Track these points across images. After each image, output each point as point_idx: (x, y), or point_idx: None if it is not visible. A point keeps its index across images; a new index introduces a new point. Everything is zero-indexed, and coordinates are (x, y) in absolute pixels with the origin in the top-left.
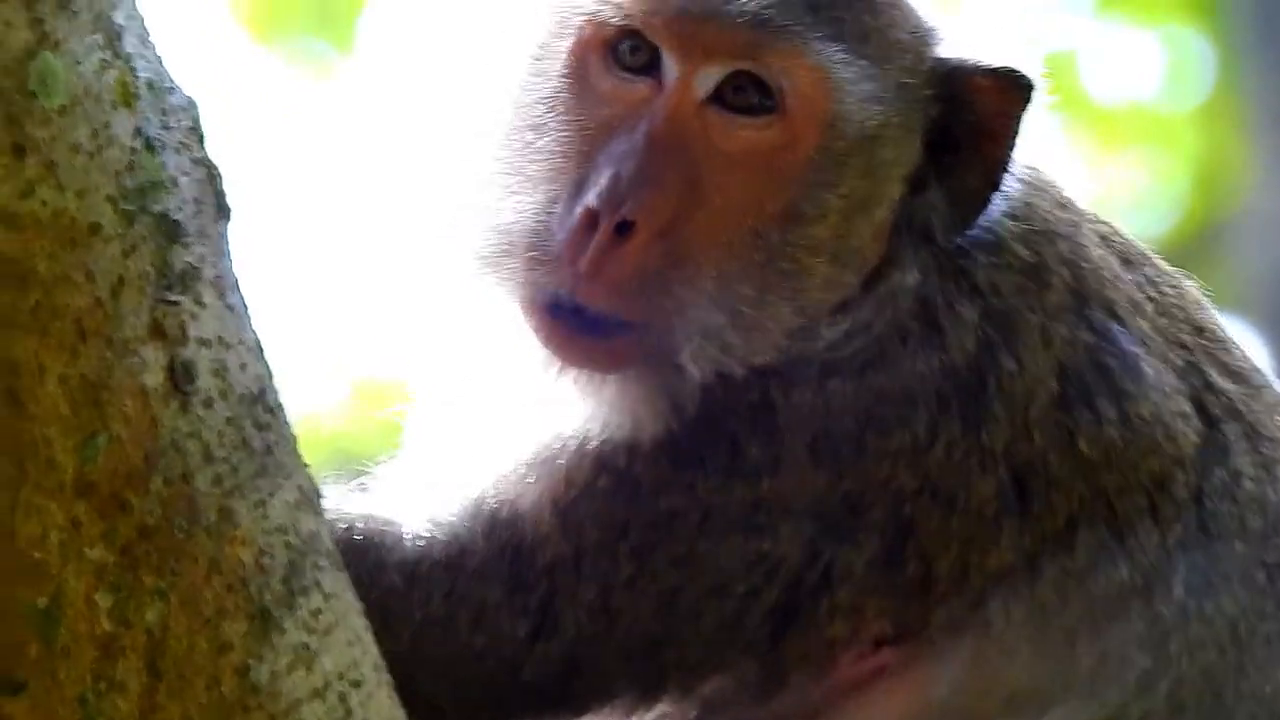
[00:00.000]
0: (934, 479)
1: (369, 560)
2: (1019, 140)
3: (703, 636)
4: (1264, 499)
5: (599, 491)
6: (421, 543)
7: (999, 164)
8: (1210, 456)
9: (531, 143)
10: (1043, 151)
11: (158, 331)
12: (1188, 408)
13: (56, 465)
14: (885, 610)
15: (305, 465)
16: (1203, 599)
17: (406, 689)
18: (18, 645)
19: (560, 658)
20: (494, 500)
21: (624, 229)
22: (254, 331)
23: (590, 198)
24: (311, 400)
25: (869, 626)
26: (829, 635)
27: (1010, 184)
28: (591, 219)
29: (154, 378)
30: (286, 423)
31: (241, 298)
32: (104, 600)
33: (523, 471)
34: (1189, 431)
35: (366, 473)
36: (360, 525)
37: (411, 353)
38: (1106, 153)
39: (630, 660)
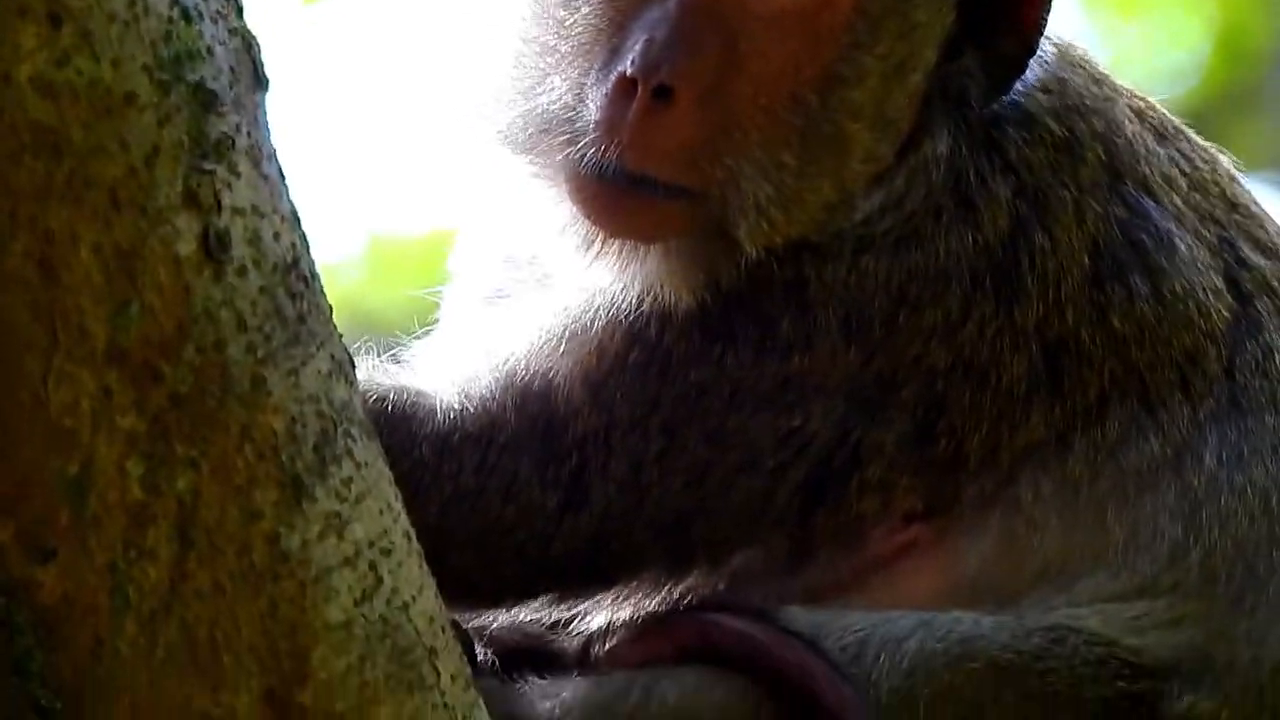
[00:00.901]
0: (966, 356)
1: (400, 433)
2: (1054, 3)
3: (732, 511)
4: None
5: (631, 365)
6: (453, 415)
7: (1035, 27)
8: (1242, 332)
9: (562, 19)
10: (1065, 16)
11: (192, 200)
12: (1220, 283)
13: (89, 334)
14: (915, 486)
15: (338, 334)
16: (1234, 471)
17: (436, 561)
18: (48, 513)
19: (590, 531)
20: (526, 373)
21: (662, 94)
22: (289, 201)
23: (625, 65)
24: (331, 256)
25: (899, 502)
26: (859, 511)
27: (1045, 54)
28: (628, 86)
29: (187, 246)
30: (320, 292)
31: (277, 167)
32: (135, 468)
33: (555, 345)
34: (1221, 307)
35: (398, 344)
36: (392, 398)
37: (449, 226)
38: (1125, 16)
39: (660, 534)
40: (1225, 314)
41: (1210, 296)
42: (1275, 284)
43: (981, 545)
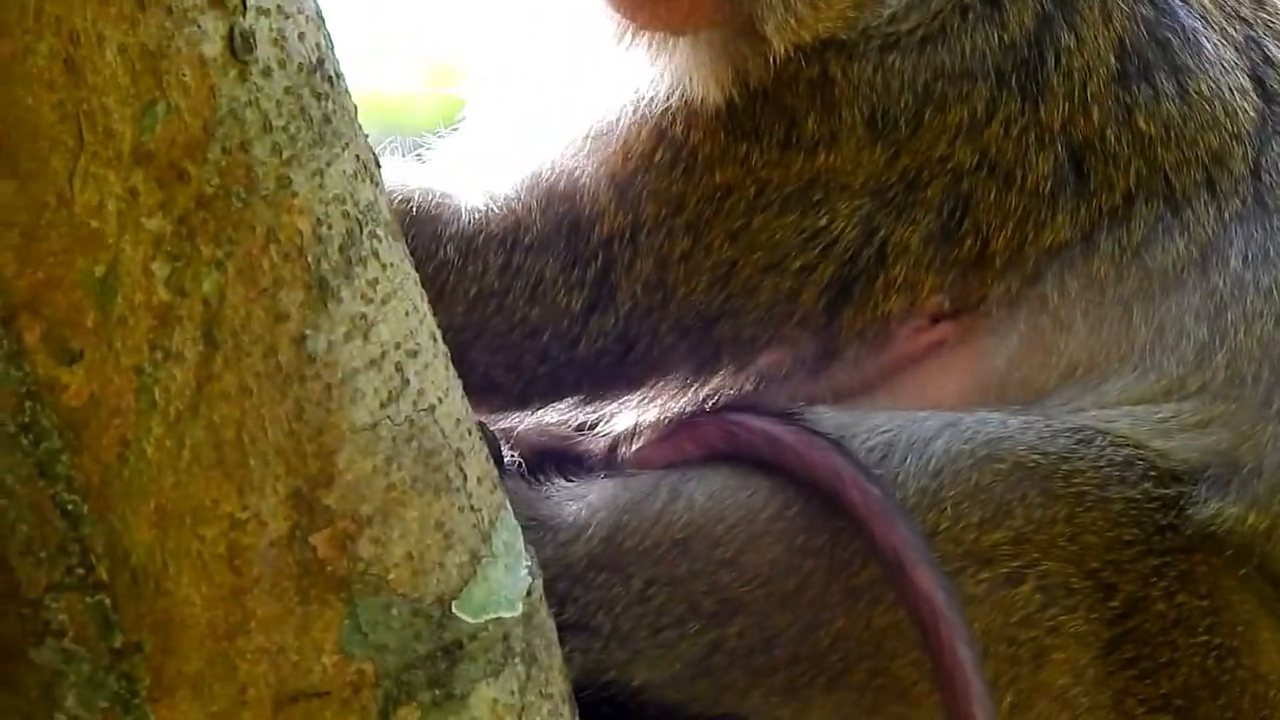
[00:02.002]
0: (991, 155)
1: (425, 233)
2: None
3: (758, 311)
4: None
5: (656, 165)
6: (478, 215)
7: None
8: (1268, 131)
9: None
10: None
11: (217, 0)
12: (1246, 83)
13: (115, 134)
14: (941, 286)
15: (363, 134)
16: (1260, 271)
17: (462, 363)
18: (75, 314)
19: (615, 331)
20: (552, 174)
21: None
22: (314, 0)
23: None
24: (375, 76)
25: (925, 302)
26: (885, 310)
27: None
28: None
29: (212, 47)
30: (345, 92)
31: None
32: (161, 270)
33: (581, 144)
34: (1247, 106)
35: (423, 144)
36: (418, 199)
37: (476, 29)
38: None
39: (685, 334)
40: (1251, 113)
41: (1236, 96)
42: None
43: (1008, 344)
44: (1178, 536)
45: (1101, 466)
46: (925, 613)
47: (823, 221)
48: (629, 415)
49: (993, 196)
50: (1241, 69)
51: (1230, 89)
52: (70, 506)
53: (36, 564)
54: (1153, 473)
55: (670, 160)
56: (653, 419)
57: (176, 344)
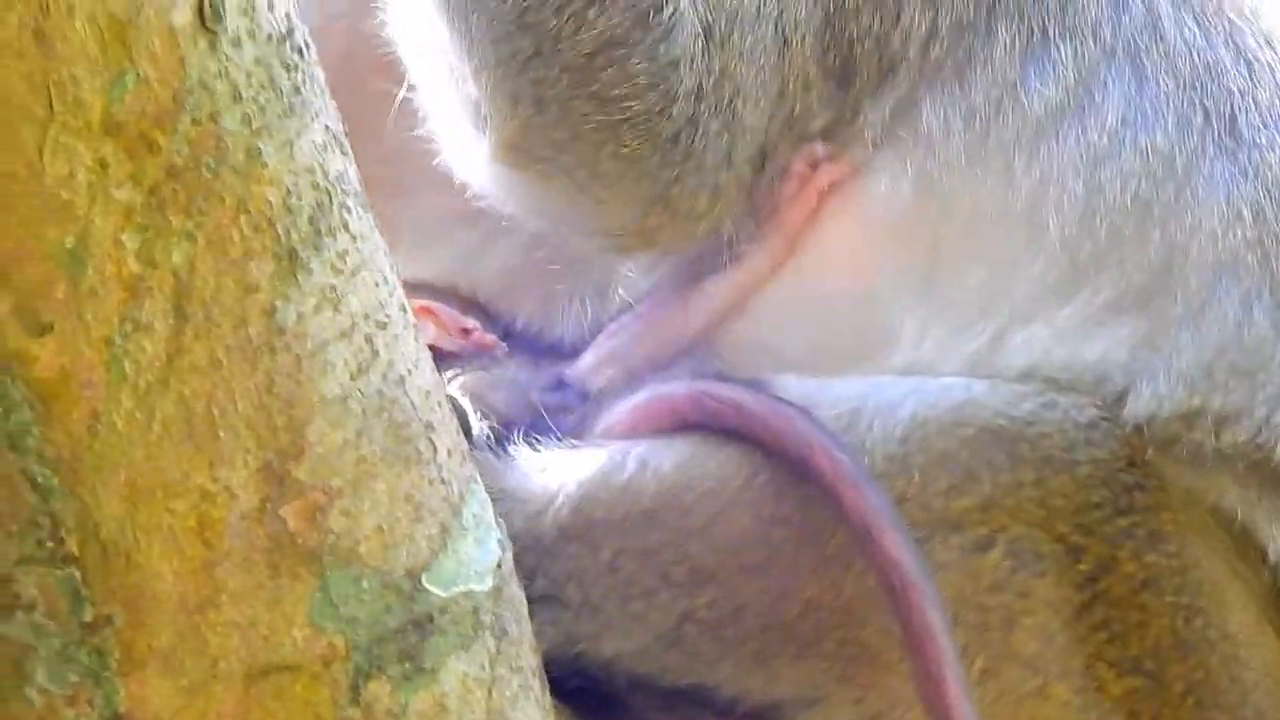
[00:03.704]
0: None
1: None
2: None
3: None
4: (1192, 46)
5: None
6: None
7: None
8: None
9: None
10: None
11: None
12: None
13: (84, 105)
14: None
15: (332, 105)
16: (1138, 131)
17: None
18: (45, 286)
19: None
20: None
21: None
22: None
23: None
24: None
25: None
26: (780, 161)
27: None
28: None
29: (182, 16)
30: (314, 63)
31: None
32: (131, 241)
33: None
34: None
35: None
36: None
37: None
38: None
39: None
40: None
41: None
42: None
43: (899, 187)
44: (1145, 495)
45: (1067, 429)
46: (895, 579)
47: None
48: (597, 379)
49: (855, 13)
50: None
51: None
52: (40, 479)
53: (6, 537)
54: (1113, 428)
55: None
56: (621, 388)
57: (147, 316)
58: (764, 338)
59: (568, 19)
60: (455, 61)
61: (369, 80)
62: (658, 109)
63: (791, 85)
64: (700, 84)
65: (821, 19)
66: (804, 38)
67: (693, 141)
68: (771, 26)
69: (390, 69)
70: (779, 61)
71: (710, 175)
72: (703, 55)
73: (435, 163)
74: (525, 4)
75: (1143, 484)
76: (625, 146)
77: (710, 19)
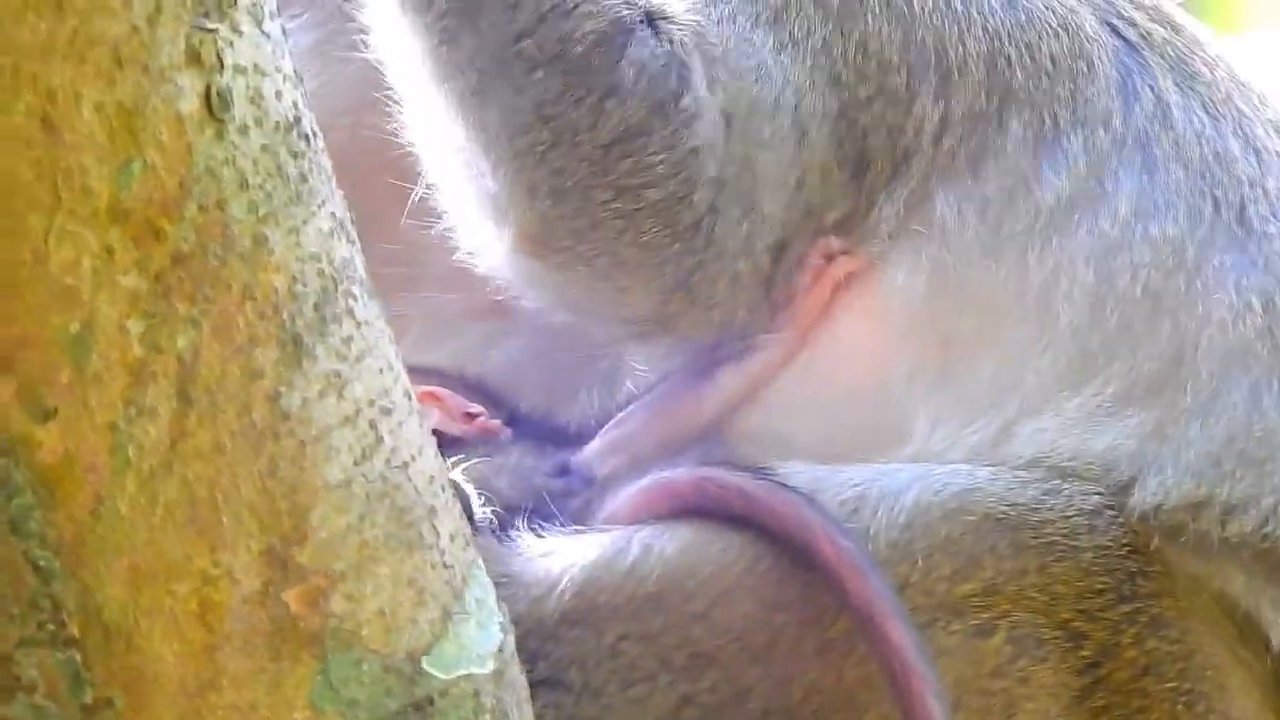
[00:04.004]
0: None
1: None
2: None
3: None
4: (1201, 136)
5: None
6: None
7: None
8: (1134, 81)
9: None
10: None
11: (194, 58)
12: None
13: (91, 192)
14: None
15: (339, 193)
16: (1148, 222)
17: None
18: (49, 371)
19: None
20: None
21: None
22: (290, 59)
23: None
24: None
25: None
26: (797, 254)
27: None
28: None
29: (189, 104)
30: (321, 150)
31: (279, 25)
32: (136, 327)
33: None
34: (1105, 49)
35: None
36: None
37: None
38: None
39: None
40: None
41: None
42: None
43: (914, 280)
44: (1148, 581)
45: (1070, 516)
46: (896, 666)
47: None
48: (603, 468)
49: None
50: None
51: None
52: (42, 562)
53: (8, 619)
54: (1118, 517)
55: None
56: (625, 473)
57: (151, 401)
58: (775, 429)
59: (585, 111)
60: (472, 157)
61: (377, 176)
62: (678, 196)
63: (809, 175)
64: (721, 172)
65: (837, 109)
66: (820, 128)
67: (714, 229)
68: (789, 117)
69: (396, 166)
70: (797, 151)
71: (730, 263)
72: (724, 143)
73: (445, 258)
74: (542, 97)
75: (1146, 570)
76: (645, 234)
77: (730, 108)
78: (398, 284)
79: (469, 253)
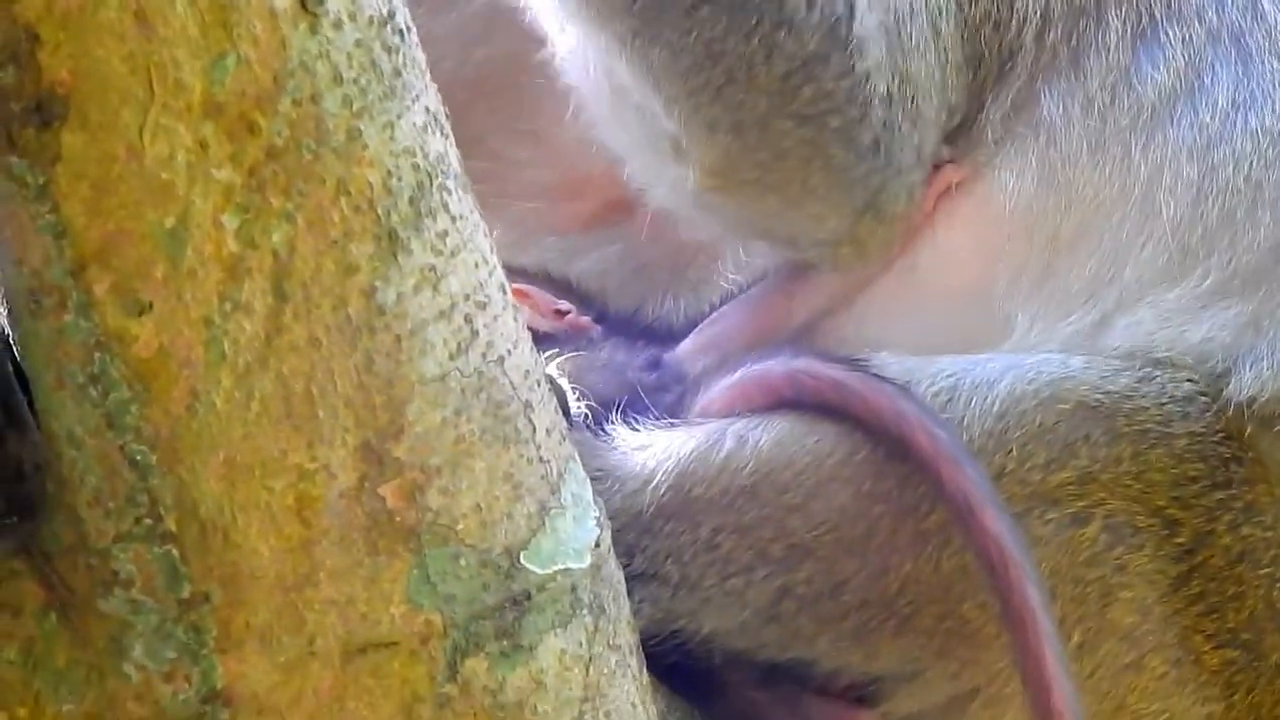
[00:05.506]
0: None
1: None
2: None
3: None
4: None
5: None
6: None
7: None
8: None
9: None
10: None
11: None
12: None
13: (185, 87)
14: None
15: (433, 87)
16: (1247, 112)
17: None
18: (144, 266)
19: None
20: None
21: None
22: None
23: None
24: None
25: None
26: None
27: None
28: None
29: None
30: (415, 45)
31: None
32: (231, 222)
33: None
34: None
35: None
36: None
37: None
38: None
39: None
40: None
41: None
42: None
43: (1022, 182)
44: (1242, 468)
45: (1164, 403)
46: (992, 555)
47: None
48: (696, 363)
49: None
50: None
51: None
52: (139, 457)
53: (105, 515)
54: (1211, 403)
55: None
56: (718, 367)
57: (246, 296)
58: (868, 333)
59: (757, 44)
60: (642, 99)
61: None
62: (858, 119)
63: (950, 76)
64: (889, 88)
65: (955, 5)
66: (947, 24)
67: (890, 145)
68: (925, 18)
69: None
70: (937, 53)
71: (909, 175)
72: (888, 59)
73: (535, 174)
74: (710, 34)
75: (1240, 457)
76: (831, 159)
77: (886, 20)
78: (483, 200)
79: (651, 197)
